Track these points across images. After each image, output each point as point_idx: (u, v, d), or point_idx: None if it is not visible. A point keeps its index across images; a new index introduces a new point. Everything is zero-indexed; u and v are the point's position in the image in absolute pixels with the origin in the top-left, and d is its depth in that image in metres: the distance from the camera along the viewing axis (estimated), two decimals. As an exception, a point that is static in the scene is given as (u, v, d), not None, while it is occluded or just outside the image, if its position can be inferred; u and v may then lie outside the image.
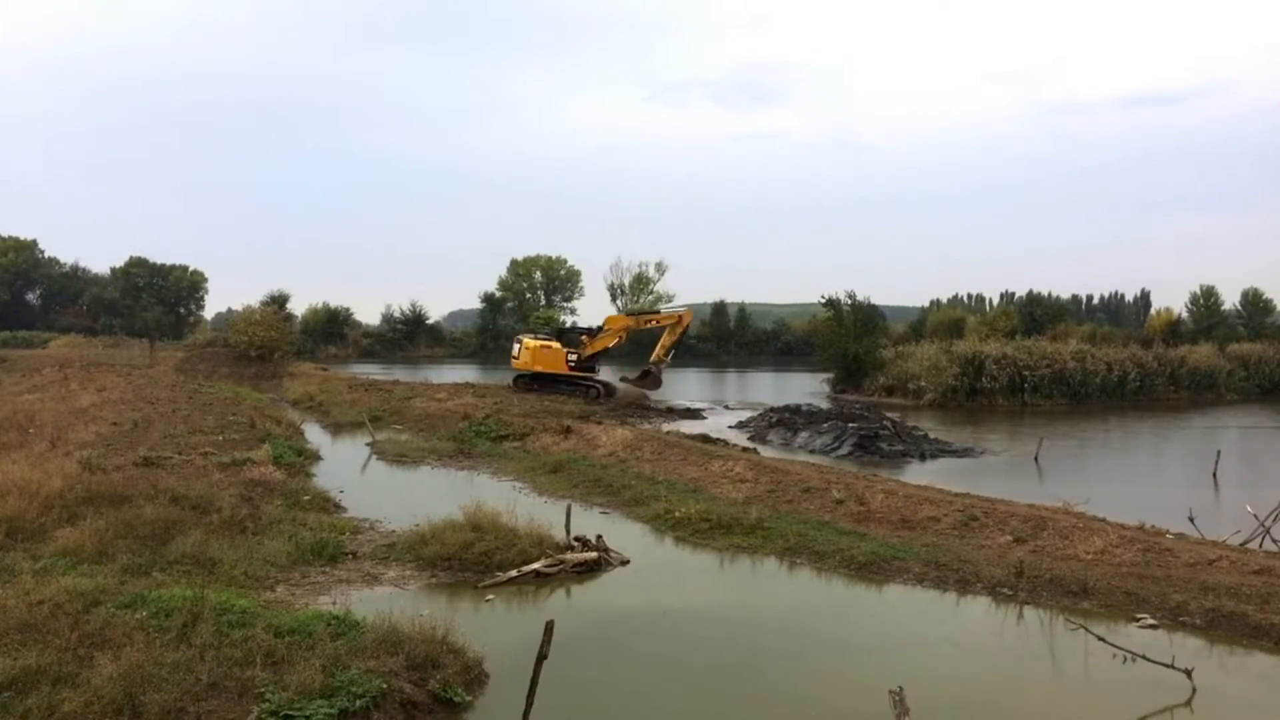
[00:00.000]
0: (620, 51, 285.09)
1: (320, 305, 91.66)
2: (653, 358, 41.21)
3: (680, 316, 42.33)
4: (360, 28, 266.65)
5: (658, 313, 43.92)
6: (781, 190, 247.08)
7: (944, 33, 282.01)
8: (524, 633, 10.00)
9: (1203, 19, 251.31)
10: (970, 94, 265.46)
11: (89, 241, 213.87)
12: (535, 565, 13.66)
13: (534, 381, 41.70)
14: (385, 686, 8.38)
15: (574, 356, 41.99)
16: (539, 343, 43.32)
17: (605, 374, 44.18)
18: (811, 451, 28.07)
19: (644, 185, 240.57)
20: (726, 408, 42.38)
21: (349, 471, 23.07)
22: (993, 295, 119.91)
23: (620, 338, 42.93)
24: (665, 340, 41.63)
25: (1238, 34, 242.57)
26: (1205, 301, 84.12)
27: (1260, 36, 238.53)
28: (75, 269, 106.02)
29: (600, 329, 43.16)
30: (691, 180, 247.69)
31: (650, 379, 41.04)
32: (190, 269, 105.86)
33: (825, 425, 30.59)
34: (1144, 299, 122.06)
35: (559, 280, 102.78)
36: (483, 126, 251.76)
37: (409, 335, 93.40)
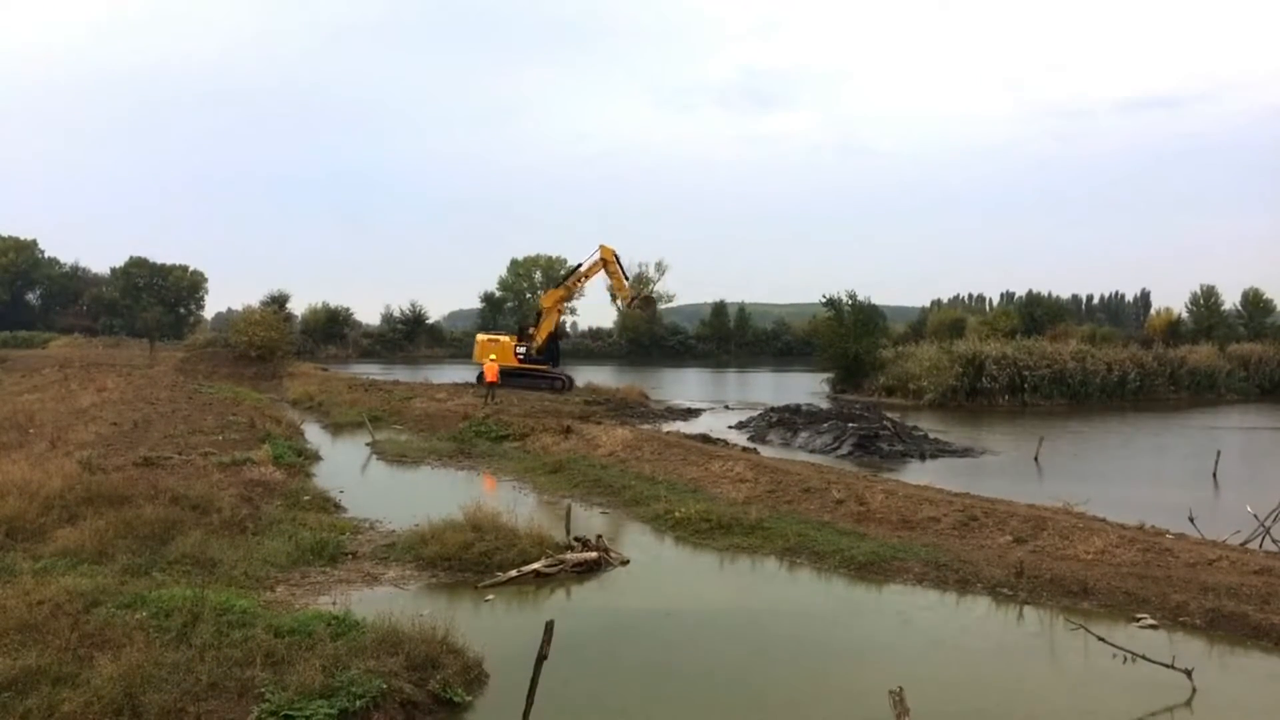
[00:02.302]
0: (626, 57, 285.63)
1: (320, 305, 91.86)
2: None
3: (601, 259, 42.43)
4: (364, 31, 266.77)
5: (577, 268, 44.32)
6: (784, 192, 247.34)
7: (946, 37, 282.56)
8: (524, 633, 10.00)
9: (1204, 22, 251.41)
10: (972, 97, 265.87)
11: (89, 241, 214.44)
12: (535, 565, 13.65)
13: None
14: (385, 687, 8.36)
15: (523, 349, 42.90)
16: (486, 337, 43.98)
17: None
18: (811, 451, 28.06)
19: (646, 186, 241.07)
20: (726, 408, 42.42)
21: (349, 472, 23.06)
22: (993, 295, 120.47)
23: (558, 313, 43.56)
24: (615, 283, 42.89)
25: (1238, 37, 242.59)
26: (1205, 302, 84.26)
27: (1261, 40, 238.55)
28: (75, 269, 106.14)
29: (538, 315, 43.91)
30: (695, 182, 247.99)
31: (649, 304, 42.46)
32: (190, 269, 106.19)
33: (825, 425, 30.59)
34: (1144, 299, 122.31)
35: (559, 280, 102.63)
36: (486, 128, 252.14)
37: (409, 335, 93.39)
